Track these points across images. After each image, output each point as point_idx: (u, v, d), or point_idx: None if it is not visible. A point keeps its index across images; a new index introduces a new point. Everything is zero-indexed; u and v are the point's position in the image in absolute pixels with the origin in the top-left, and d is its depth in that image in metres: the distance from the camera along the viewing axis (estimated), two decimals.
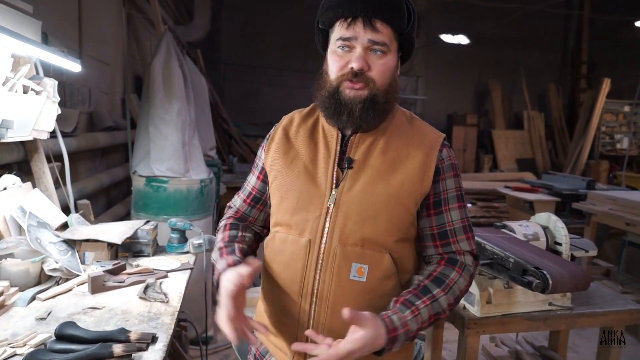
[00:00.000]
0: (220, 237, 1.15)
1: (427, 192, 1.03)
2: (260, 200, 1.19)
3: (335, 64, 1.01)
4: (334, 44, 1.02)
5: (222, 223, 1.22)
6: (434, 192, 1.04)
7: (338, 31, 1.00)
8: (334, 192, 1.02)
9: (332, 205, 1.02)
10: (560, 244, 1.74)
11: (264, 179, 1.17)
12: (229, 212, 1.25)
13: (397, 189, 1.01)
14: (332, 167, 1.04)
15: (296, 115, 1.16)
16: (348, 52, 1.00)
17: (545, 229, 1.79)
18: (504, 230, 1.83)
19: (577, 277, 1.41)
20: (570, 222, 4.19)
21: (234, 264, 1.01)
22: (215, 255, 1.10)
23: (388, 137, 1.06)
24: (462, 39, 8.55)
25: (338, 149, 1.05)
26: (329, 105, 1.02)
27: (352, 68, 0.98)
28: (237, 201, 1.24)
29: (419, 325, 0.96)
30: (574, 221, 4.39)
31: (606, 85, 7.67)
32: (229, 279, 0.96)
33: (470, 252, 1.07)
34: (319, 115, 1.12)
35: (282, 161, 1.09)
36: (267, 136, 1.16)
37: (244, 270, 0.97)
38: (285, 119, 1.17)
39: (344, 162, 1.04)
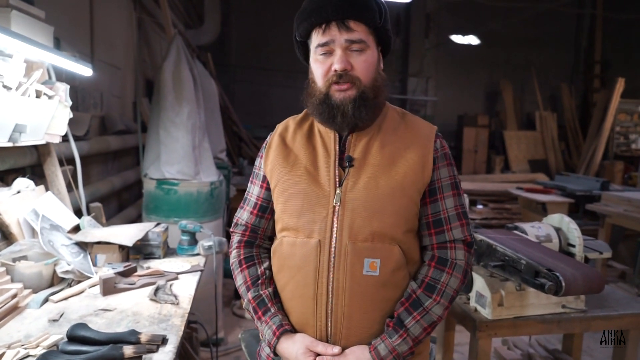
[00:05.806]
0: (242, 280, 1.13)
1: (428, 181, 1.06)
2: (267, 209, 1.16)
3: (318, 70, 1.04)
4: (314, 53, 1.05)
5: (233, 254, 1.17)
6: (430, 181, 1.07)
7: (315, 39, 1.04)
8: (338, 191, 1.04)
9: (338, 204, 1.04)
10: (573, 246, 1.71)
11: (267, 187, 1.15)
12: (237, 232, 1.19)
13: (400, 181, 1.04)
14: (334, 167, 1.06)
15: (290, 121, 1.18)
16: (329, 57, 1.03)
17: (558, 230, 1.76)
18: (515, 231, 1.80)
19: (591, 279, 1.38)
20: (584, 224, 4.13)
21: (279, 331, 1.05)
22: (247, 306, 1.12)
23: (383, 133, 1.09)
24: (472, 39, 8.47)
25: (337, 149, 1.08)
26: (322, 111, 1.05)
27: (335, 70, 1.01)
28: (243, 215, 1.19)
29: (412, 343, 1.02)
30: (588, 223, 4.32)
31: (620, 85, 7.54)
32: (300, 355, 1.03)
33: (463, 240, 1.08)
34: (313, 119, 1.14)
35: (283, 167, 1.10)
36: (264, 145, 1.17)
37: (307, 341, 1.03)
38: (279, 127, 1.18)
39: (344, 161, 1.07)
